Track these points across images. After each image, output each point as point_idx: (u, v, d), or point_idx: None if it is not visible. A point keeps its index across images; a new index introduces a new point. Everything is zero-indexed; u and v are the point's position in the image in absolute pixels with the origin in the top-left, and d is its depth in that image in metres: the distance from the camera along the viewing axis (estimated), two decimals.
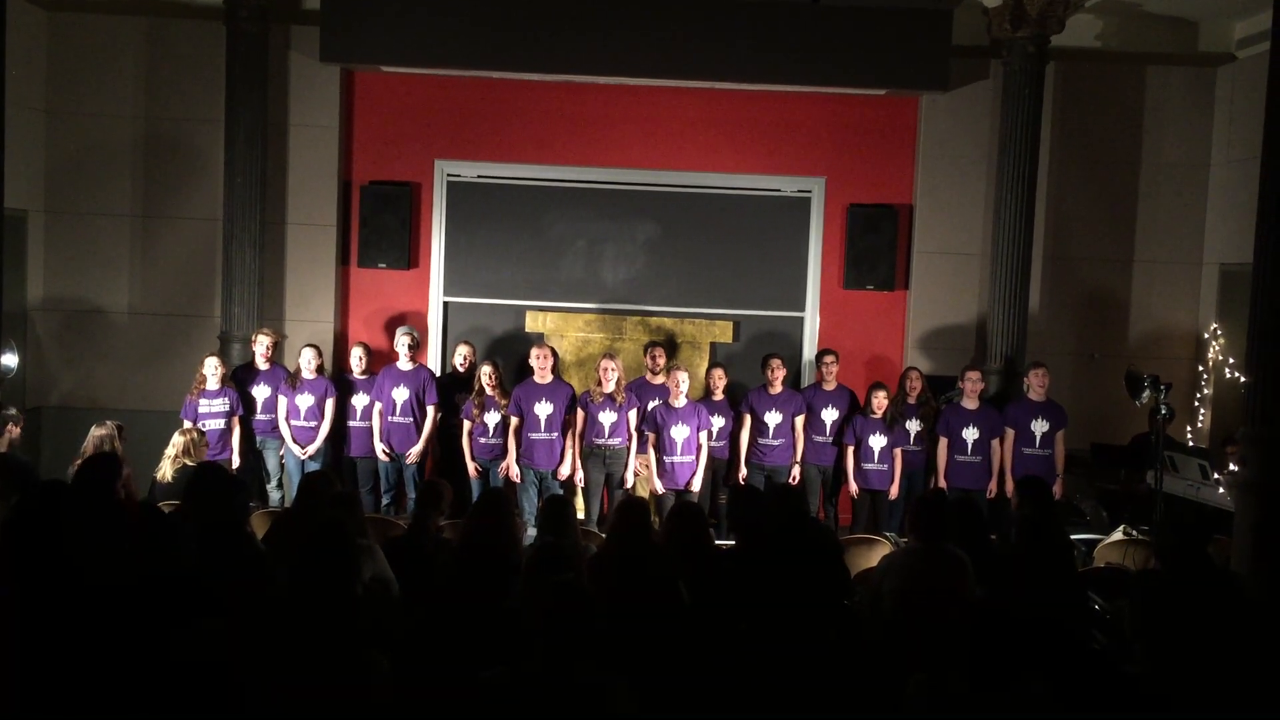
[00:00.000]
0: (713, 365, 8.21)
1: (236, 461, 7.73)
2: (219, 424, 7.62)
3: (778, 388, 7.89)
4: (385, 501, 8.03)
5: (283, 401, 7.92)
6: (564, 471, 7.57)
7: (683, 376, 7.54)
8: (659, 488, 7.56)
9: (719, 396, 7.90)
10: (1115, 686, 3.32)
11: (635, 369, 8.33)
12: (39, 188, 8.74)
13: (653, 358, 7.93)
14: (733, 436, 7.93)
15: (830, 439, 7.93)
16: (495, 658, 3.37)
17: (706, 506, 7.60)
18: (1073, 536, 6.20)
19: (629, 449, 7.62)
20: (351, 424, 8.01)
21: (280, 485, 8.10)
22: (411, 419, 7.87)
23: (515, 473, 7.53)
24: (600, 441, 7.53)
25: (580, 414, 7.55)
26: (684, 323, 8.93)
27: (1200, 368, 9.07)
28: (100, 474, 5.30)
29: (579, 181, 9.09)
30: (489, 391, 7.60)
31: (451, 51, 8.48)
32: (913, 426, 7.88)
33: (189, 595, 3.83)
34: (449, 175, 9.07)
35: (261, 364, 8.01)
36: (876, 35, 8.48)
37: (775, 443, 7.86)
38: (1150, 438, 7.61)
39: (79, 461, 6.02)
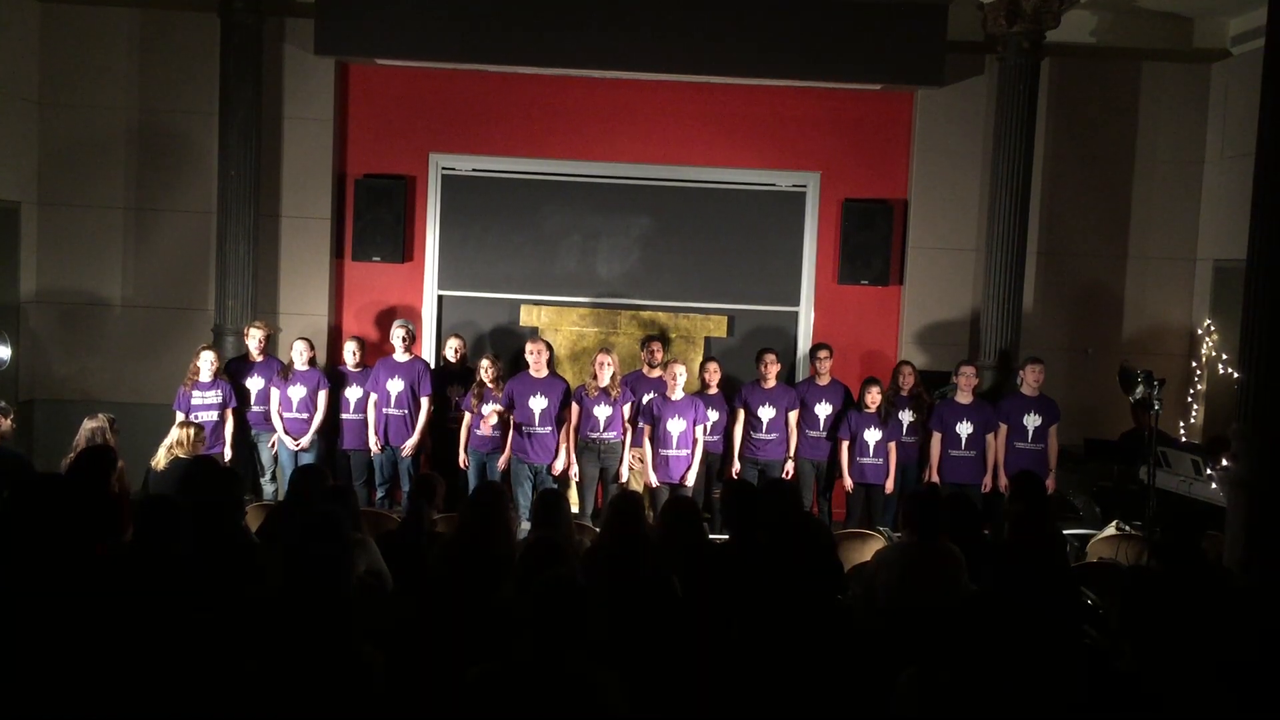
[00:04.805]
0: (707, 359, 8.22)
1: (229, 454, 7.73)
2: (212, 416, 7.61)
3: (771, 382, 7.90)
4: (379, 495, 8.04)
5: (275, 394, 7.92)
6: (558, 465, 7.58)
7: (679, 370, 7.54)
8: (653, 481, 7.57)
9: (714, 391, 7.91)
10: (1106, 682, 3.34)
11: (630, 363, 8.33)
12: (32, 180, 8.71)
13: (650, 352, 7.92)
14: (727, 431, 7.94)
15: (824, 434, 7.94)
16: (488, 652, 3.37)
17: (701, 501, 7.61)
18: (1065, 531, 6.21)
19: (624, 443, 7.62)
20: (345, 417, 8.02)
21: (274, 478, 8.10)
22: (406, 411, 7.88)
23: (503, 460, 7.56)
24: (595, 435, 7.53)
25: (575, 408, 7.56)
26: (678, 317, 8.93)
27: (1194, 363, 9.10)
28: (94, 468, 5.30)
29: (574, 175, 9.08)
30: (487, 384, 7.61)
31: (446, 44, 8.46)
32: (905, 417, 7.90)
33: (182, 588, 3.83)
34: (444, 169, 9.06)
35: (256, 357, 8.01)
36: (872, 30, 8.48)
37: (769, 437, 7.87)
38: (1140, 433, 7.63)
39: (72, 455, 6.01)
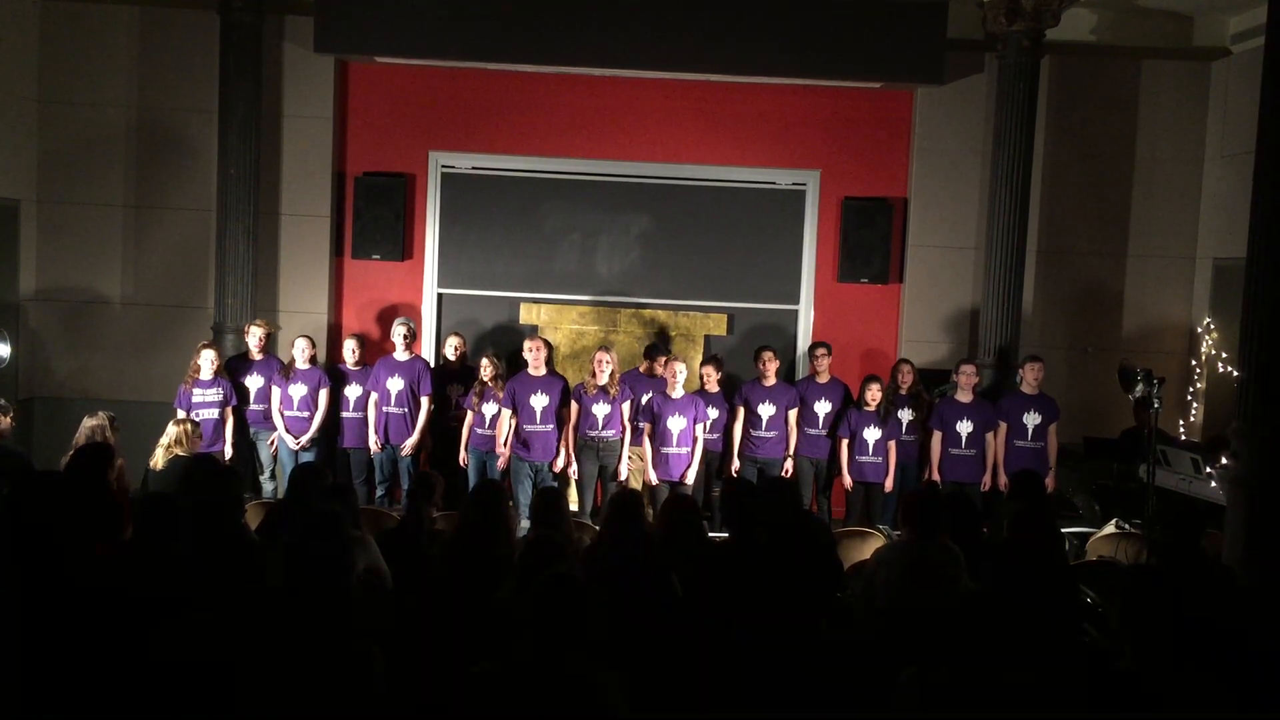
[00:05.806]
0: (706, 360, 8.20)
1: (229, 452, 7.73)
2: (213, 414, 7.61)
3: (771, 380, 7.89)
4: (379, 493, 8.04)
5: (276, 392, 7.92)
6: (558, 464, 7.58)
7: (680, 368, 7.54)
8: (653, 479, 7.57)
9: (713, 389, 7.90)
10: (1106, 681, 3.34)
11: (629, 361, 8.33)
12: (31, 177, 8.71)
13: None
14: (726, 429, 7.94)
15: (823, 432, 7.94)
16: (488, 651, 3.37)
17: (700, 499, 7.61)
18: (1065, 530, 6.21)
19: (623, 441, 7.62)
20: (344, 415, 8.02)
21: (273, 476, 8.09)
22: (406, 409, 7.88)
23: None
24: (594, 433, 7.53)
25: (574, 406, 7.56)
26: (678, 315, 8.94)
27: (1193, 362, 9.10)
28: (92, 464, 5.29)
29: (573, 174, 9.07)
30: (488, 383, 7.61)
31: (446, 42, 8.46)
32: (905, 415, 7.90)
33: (182, 587, 3.83)
34: (443, 167, 9.06)
35: (255, 355, 8.01)
36: (872, 28, 8.48)
37: (769, 435, 7.87)
38: (1141, 431, 7.63)
39: (71, 453, 6.00)
